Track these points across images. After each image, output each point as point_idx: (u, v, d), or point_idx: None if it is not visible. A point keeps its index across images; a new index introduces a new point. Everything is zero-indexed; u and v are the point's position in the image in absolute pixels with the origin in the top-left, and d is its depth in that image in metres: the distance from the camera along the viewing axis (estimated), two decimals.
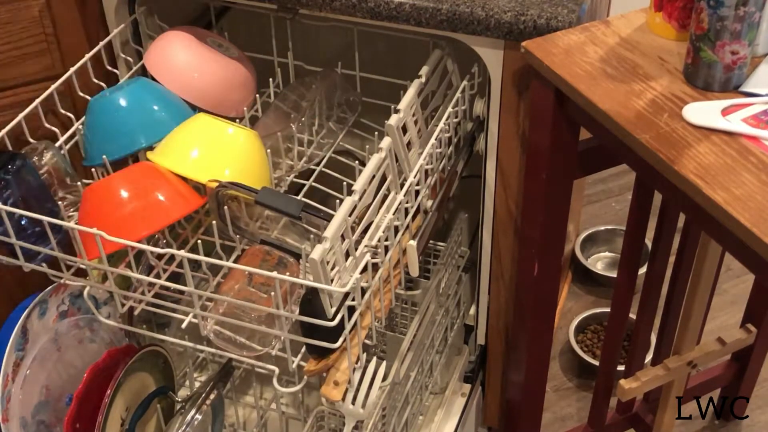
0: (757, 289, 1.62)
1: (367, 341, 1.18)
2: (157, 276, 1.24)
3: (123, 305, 1.26)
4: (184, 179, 1.25)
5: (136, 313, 1.30)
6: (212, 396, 1.35)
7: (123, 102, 1.34)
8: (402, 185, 1.24)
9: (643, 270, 1.48)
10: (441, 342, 1.55)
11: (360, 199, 1.12)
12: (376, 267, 1.15)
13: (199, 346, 1.23)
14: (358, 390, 1.21)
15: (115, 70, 1.53)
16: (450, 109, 1.35)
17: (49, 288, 1.31)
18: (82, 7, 1.44)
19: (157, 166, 1.25)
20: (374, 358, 1.26)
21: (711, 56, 1.08)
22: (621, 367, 1.72)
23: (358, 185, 1.12)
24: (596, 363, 1.82)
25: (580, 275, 2.19)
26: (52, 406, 1.31)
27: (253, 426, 1.51)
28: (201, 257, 1.12)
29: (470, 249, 1.67)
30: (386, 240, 1.18)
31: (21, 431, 1.26)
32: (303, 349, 1.17)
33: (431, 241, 1.54)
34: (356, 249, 1.13)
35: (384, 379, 1.25)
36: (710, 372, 1.76)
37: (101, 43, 1.45)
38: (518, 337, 1.53)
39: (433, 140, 1.30)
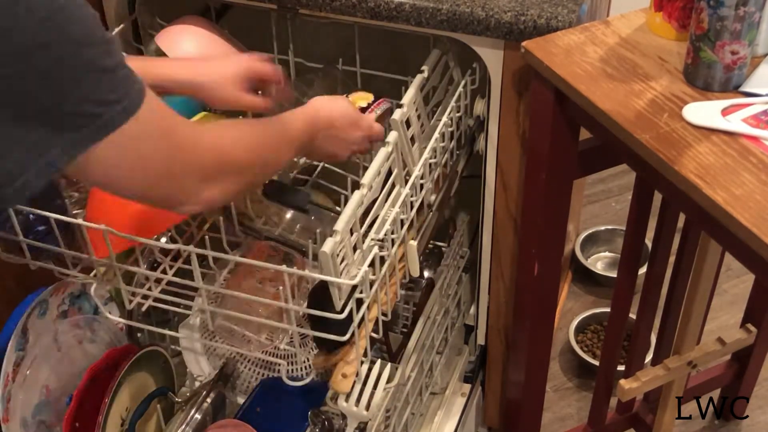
0: (757, 289, 1.62)
1: (373, 334, 1.18)
2: (164, 272, 1.24)
3: (130, 302, 1.25)
4: None
5: (143, 309, 1.29)
6: (212, 395, 1.35)
7: None
8: (407, 180, 1.24)
9: (643, 270, 1.48)
10: (441, 342, 1.55)
11: (368, 192, 1.12)
12: (382, 260, 1.15)
13: (205, 341, 1.22)
14: (362, 391, 1.21)
15: None
16: (453, 103, 1.35)
17: (49, 288, 1.31)
18: None
19: None
20: (379, 360, 1.25)
21: (711, 56, 1.08)
22: (621, 367, 1.72)
23: (367, 179, 1.12)
24: (596, 363, 1.82)
25: (580, 275, 2.19)
26: (52, 405, 1.31)
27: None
28: (209, 252, 1.12)
29: (470, 249, 1.67)
30: (392, 233, 1.18)
31: (21, 431, 1.26)
32: (311, 344, 1.17)
33: (432, 242, 1.54)
34: (363, 242, 1.13)
35: (389, 380, 1.25)
36: (710, 372, 1.76)
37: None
38: (518, 337, 1.53)
39: (436, 134, 1.30)
